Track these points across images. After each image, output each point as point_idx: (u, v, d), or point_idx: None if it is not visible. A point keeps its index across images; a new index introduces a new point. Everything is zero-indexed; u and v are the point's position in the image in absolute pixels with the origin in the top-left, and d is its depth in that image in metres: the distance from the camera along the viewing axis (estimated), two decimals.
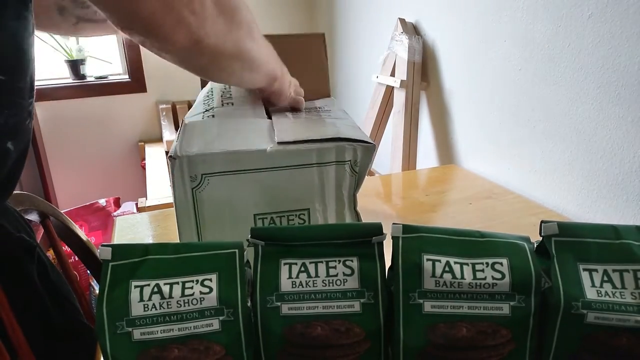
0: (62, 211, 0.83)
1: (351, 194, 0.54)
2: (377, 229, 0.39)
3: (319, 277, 0.38)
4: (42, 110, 1.98)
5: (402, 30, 1.27)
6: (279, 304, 0.37)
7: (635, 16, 0.71)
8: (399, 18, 1.29)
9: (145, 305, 0.36)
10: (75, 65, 2.01)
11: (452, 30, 1.15)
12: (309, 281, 0.38)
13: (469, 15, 1.08)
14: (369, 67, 1.64)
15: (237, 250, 0.38)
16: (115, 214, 1.74)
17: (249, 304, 0.37)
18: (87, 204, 1.76)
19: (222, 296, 0.36)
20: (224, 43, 0.47)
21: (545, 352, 0.38)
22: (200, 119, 0.58)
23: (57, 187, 2.09)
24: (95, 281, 1.43)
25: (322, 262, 0.38)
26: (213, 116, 0.59)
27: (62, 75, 2.05)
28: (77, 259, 0.90)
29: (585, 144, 0.83)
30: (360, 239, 0.39)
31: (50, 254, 0.98)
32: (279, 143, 0.51)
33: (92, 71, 2.06)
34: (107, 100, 2.03)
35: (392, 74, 1.31)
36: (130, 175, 2.16)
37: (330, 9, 1.91)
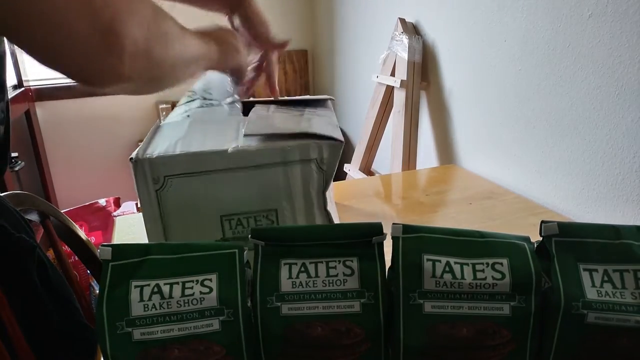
0: (62, 211, 0.83)
1: (320, 192, 0.53)
2: (377, 229, 0.39)
3: (319, 277, 0.38)
4: (42, 110, 1.98)
5: (402, 30, 1.27)
6: (279, 304, 0.37)
7: (635, 16, 0.71)
8: (399, 18, 1.29)
9: (145, 306, 0.36)
10: None
11: (452, 30, 1.15)
12: (309, 281, 0.38)
13: (469, 15, 1.08)
14: (369, 67, 1.64)
15: (237, 251, 0.38)
16: (115, 214, 1.74)
17: (249, 304, 0.37)
18: (87, 204, 1.76)
19: (222, 296, 0.36)
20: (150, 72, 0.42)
21: (545, 352, 0.38)
22: (175, 120, 0.58)
23: (57, 187, 2.09)
24: (95, 281, 1.43)
25: (322, 262, 0.38)
26: (188, 116, 0.59)
27: (62, 75, 2.05)
28: (77, 259, 0.90)
29: (585, 144, 0.83)
30: (360, 239, 0.39)
31: (51, 254, 0.98)
32: (245, 136, 0.51)
33: None
34: (107, 100, 2.03)
35: (392, 74, 1.31)
36: (130, 175, 2.16)
37: (331, 9, 1.91)
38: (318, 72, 2.20)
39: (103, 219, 1.73)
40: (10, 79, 1.81)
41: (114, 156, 2.13)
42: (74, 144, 2.06)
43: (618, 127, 0.77)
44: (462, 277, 0.37)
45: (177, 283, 0.36)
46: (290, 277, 0.38)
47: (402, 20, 1.29)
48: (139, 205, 1.39)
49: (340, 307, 0.37)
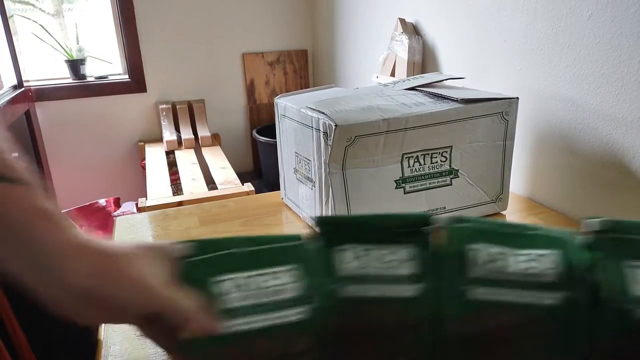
0: (62, 211, 0.82)
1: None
2: (427, 219, 0.39)
3: (375, 261, 0.38)
4: (42, 110, 1.98)
5: (402, 30, 1.27)
6: (341, 287, 0.38)
7: (635, 16, 0.71)
8: (399, 18, 1.29)
9: (227, 299, 0.35)
10: (75, 66, 2.01)
11: (452, 31, 1.15)
12: (366, 265, 0.38)
13: (469, 15, 1.08)
14: (368, 66, 1.64)
15: (312, 241, 0.38)
16: (115, 214, 1.74)
17: (329, 292, 0.37)
18: (87, 204, 1.76)
19: (303, 287, 0.37)
20: None
21: (591, 348, 0.38)
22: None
23: (57, 187, 2.09)
24: None
25: (376, 249, 0.39)
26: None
27: (62, 76, 2.05)
28: None
29: (585, 144, 0.83)
30: (412, 229, 0.39)
31: None
32: (461, 101, 0.73)
33: (92, 71, 2.06)
34: (107, 100, 2.03)
35: (392, 74, 1.31)
36: (130, 175, 2.16)
37: (331, 9, 1.91)
38: (318, 72, 2.20)
39: (103, 219, 1.73)
40: (10, 79, 1.81)
41: (114, 156, 2.13)
42: (74, 144, 2.06)
43: (618, 127, 0.77)
44: (509, 266, 0.37)
45: (258, 275, 0.36)
46: (349, 262, 0.38)
47: (402, 21, 1.29)
48: (139, 205, 1.39)
49: (395, 291, 0.38)
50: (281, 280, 0.36)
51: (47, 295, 0.32)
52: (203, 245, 0.37)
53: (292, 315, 0.36)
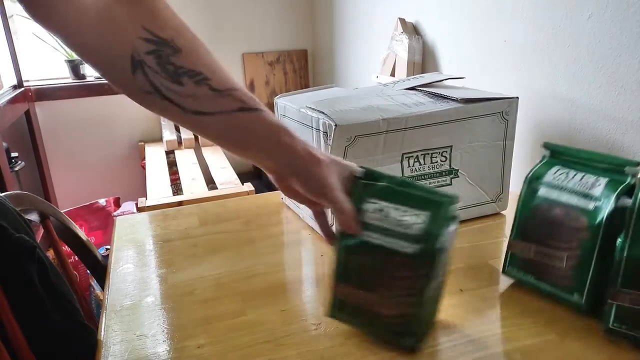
0: (62, 211, 0.83)
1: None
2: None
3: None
4: (42, 110, 1.98)
5: (402, 30, 1.27)
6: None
7: (635, 16, 0.71)
8: (399, 18, 1.29)
9: (370, 216, 0.48)
10: (75, 65, 2.01)
11: (452, 31, 1.15)
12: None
13: (469, 16, 1.08)
14: (368, 66, 1.64)
15: (448, 199, 0.47)
16: (115, 214, 1.74)
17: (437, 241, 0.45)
18: (87, 204, 1.76)
19: (427, 229, 0.45)
20: None
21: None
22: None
23: (57, 187, 2.09)
24: (95, 281, 1.43)
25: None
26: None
27: (62, 75, 2.05)
28: (77, 259, 0.90)
29: (585, 144, 0.83)
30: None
31: (50, 254, 0.98)
32: (460, 100, 0.73)
33: (92, 71, 2.06)
34: (107, 100, 2.03)
35: (392, 74, 1.31)
36: (130, 175, 2.16)
37: (331, 9, 1.91)
38: (318, 72, 2.20)
39: (103, 219, 1.73)
40: (10, 79, 1.80)
41: (114, 156, 2.13)
42: (74, 144, 2.06)
43: (618, 127, 0.77)
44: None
45: (398, 209, 0.47)
46: None
47: (402, 20, 1.29)
48: (139, 205, 1.39)
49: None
50: (412, 220, 0.46)
51: (300, 181, 0.48)
52: (373, 174, 0.50)
53: (406, 247, 0.46)
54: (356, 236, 0.48)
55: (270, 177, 0.52)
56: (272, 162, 0.49)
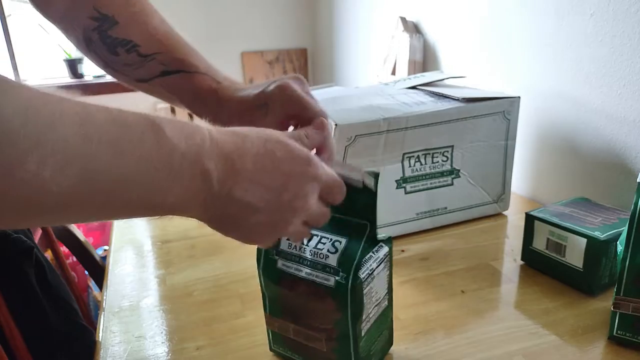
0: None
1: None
2: None
3: None
4: None
5: (402, 29, 1.26)
6: None
7: (637, 15, 0.71)
8: (400, 16, 1.29)
9: (289, 244, 0.44)
10: (73, 65, 2.00)
11: (453, 29, 1.14)
12: None
13: (470, 14, 1.07)
14: (369, 65, 1.64)
15: (368, 224, 0.43)
16: None
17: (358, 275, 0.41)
18: None
19: (341, 260, 0.42)
20: None
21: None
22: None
23: None
24: (93, 282, 1.42)
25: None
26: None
27: (60, 75, 2.04)
28: (75, 260, 0.89)
29: (587, 143, 0.82)
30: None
31: (49, 254, 0.97)
32: (462, 99, 0.73)
33: (90, 70, 2.06)
34: (105, 100, 2.01)
35: (393, 73, 1.30)
36: None
37: (331, 7, 1.91)
38: (318, 71, 2.20)
39: None
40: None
41: None
42: None
43: (620, 127, 0.76)
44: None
45: (316, 235, 0.44)
46: None
47: (403, 19, 1.28)
48: None
49: None
50: (329, 248, 0.43)
51: None
52: None
53: (325, 279, 0.42)
54: (276, 266, 0.44)
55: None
56: (206, 111, 0.48)
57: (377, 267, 0.44)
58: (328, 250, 0.42)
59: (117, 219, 0.44)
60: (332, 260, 0.42)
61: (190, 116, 2.07)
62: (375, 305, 0.45)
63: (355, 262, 0.41)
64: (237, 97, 0.46)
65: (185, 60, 0.48)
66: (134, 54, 0.46)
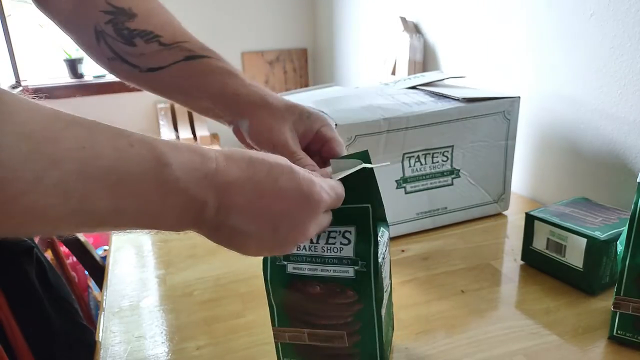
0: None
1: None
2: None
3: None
4: None
5: (403, 29, 1.26)
6: None
7: (637, 15, 0.71)
8: (400, 16, 1.29)
9: (297, 247, 0.42)
10: (73, 65, 2.00)
11: (453, 29, 1.14)
12: None
13: (471, 14, 1.07)
14: (369, 65, 1.64)
15: (369, 206, 0.41)
16: None
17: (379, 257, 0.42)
18: None
19: (357, 249, 0.41)
20: None
21: None
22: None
23: None
24: (93, 282, 1.42)
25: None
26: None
27: (60, 75, 2.04)
28: (75, 259, 0.89)
29: (587, 143, 0.82)
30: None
31: (49, 254, 0.97)
32: (462, 99, 0.73)
33: (90, 70, 2.06)
34: (105, 100, 2.02)
35: (393, 73, 1.30)
36: None
37: (331, 7, 1.91)
38: (318, 71, 2.20)
39: None
40: (8, 78, 1.80)
41: None
42: None
43: (620, 127, 0.76)
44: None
45: (324, 231, 0.42)
46: None
47: (403, 19, 1.28)
48: None
49: None
50: (340, 240, 0.42)
51: (249, 130, 0.45)
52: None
53: (342, 272, 0.42)
54: (285, 271, 0.43)
55: (231, 129, 0.50)
56: (221, 107, 0.46)
57: (385, 250, 0.44)
58: (341, 243, 0.42)
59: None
60: (348, 252, 0.42)
61: (190, 116, 2.07)
62: (386, 291, 0.45)
63: (372, 247, 0.41)
64: (277, 98, 0.45)
65: (210, 49, 0.48)
66: (155, 44, 0.46)
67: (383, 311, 0.43)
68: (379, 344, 0.43)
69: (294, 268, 0.43)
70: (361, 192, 0.41)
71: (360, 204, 0.41)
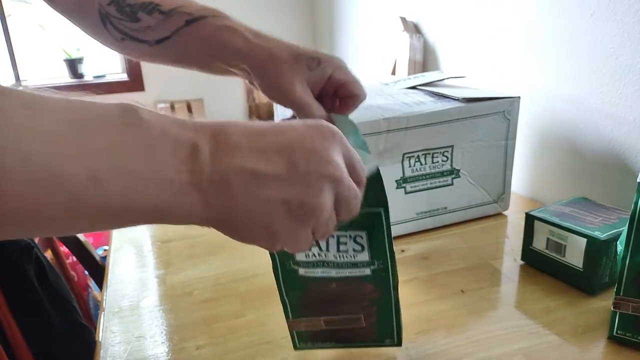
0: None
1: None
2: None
3: None
4: None
5: (402, 29, 1.26)
6: None
7: (637, 15, 0.71)
8: (400, 16, 1.29)
9: (306, 254, 0.42)
10: (73, 65, 2.00)
11: (453, 29, 1.14)
12: None
13: (470, 14, 1.07)
14: (369, 65, 1.64)
15: (382, 210, 0.40)
16: None
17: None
18: None
19: (372, 253, 0.41)
20: None
21: None
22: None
23: None
24: (93, 282, 1.42)
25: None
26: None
27: (60, 75, 2.04)
28: (75, 259, 0.89)
29: (587, 143, 0.82)
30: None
31: (49, 254, 0.97)
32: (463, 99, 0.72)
33: (89, 70, 2.06)
34: (104, 100, 2.02)
35: (393, 73, 1.30)
36: None
37: (331, 8, 1.91)
38: None
39: None
40: (8, 78, 1.80)
41: None
42: None
43: (620, 127, 0.76)
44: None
45: (332, 237, 0.40)
46: None
47: (403, 19, 1.28)
48: None
49: None
50: (352, 246, 0.42)
51: (258, 83, 0.44)
52: None
53: (359, 271, 0.43)
54: (298, 274, 0.42)
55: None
56: (231, 67, 0.45)
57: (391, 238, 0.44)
58: (354, 250, 0.41)
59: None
60: (363, 257, 0.42)
61: (189, 110, 2.07)
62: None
63: (388, 248, 0.41)
64: (283, 48, 0.43)
65: (209, 8, 0.47)
66: (156, 13, 0.46)
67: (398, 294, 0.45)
68: (396, 321, 0.46)
69: (307, 272, 0.42)
70: (375, 195, 0.37)
71: (374, 208, 0.39)
